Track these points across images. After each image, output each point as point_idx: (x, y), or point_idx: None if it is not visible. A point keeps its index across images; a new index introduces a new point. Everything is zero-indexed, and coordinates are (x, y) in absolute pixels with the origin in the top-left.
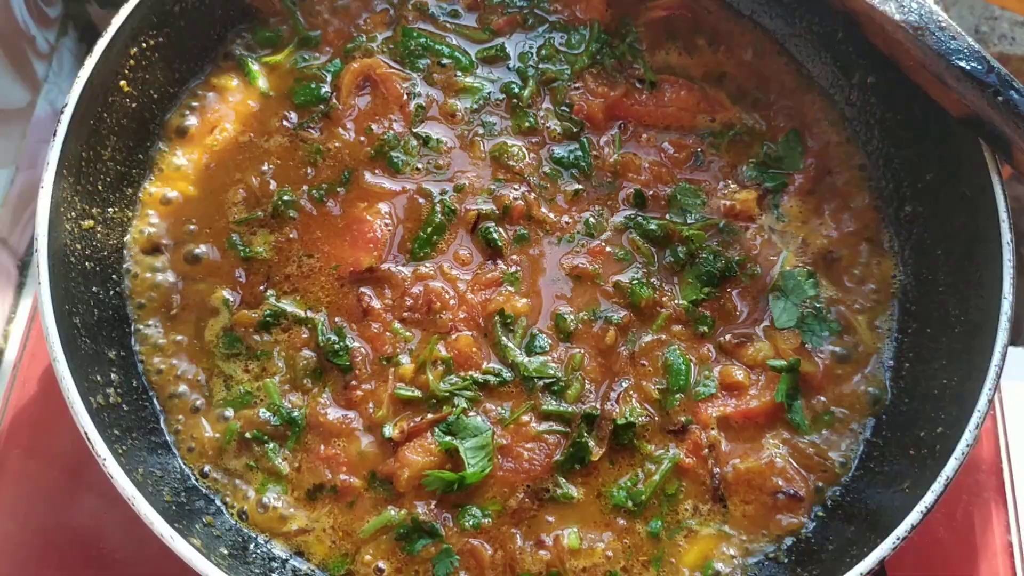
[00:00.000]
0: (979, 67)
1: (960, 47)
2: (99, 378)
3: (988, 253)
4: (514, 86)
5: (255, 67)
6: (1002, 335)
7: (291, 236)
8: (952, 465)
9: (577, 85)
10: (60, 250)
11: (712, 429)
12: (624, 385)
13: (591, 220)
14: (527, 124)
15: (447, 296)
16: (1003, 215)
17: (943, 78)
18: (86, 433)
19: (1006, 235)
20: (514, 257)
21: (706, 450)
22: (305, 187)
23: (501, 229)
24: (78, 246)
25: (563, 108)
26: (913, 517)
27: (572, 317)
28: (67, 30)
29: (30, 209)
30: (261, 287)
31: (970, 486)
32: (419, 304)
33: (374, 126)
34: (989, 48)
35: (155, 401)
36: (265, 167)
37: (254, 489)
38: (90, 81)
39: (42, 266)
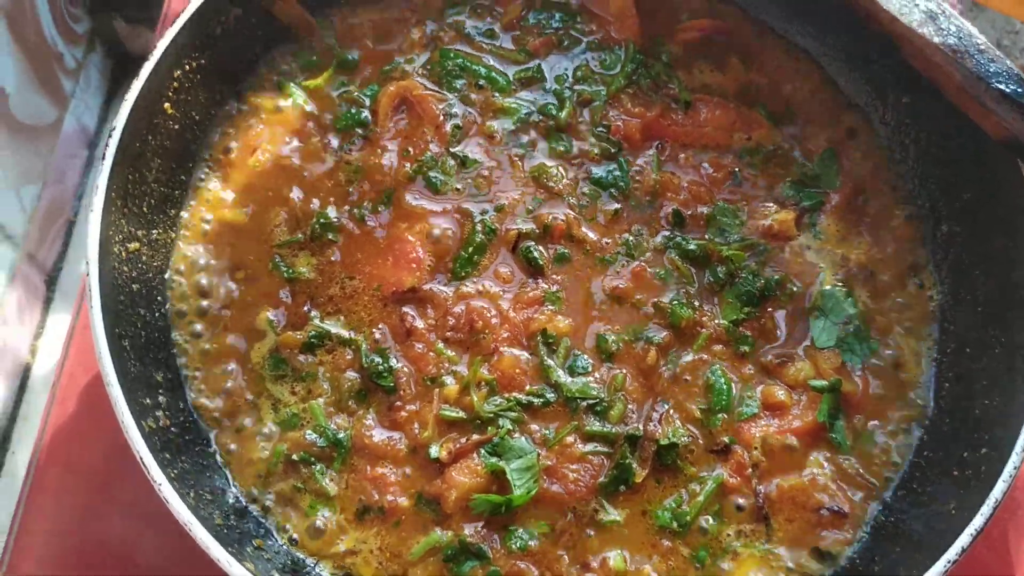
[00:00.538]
0: (1019, 89)
1: (1000, 70)
2: (148, 401)
3: None
4: (551, 107)
5: (295, 90)
6: None
7: (333, 257)
8: (1000, 488)
9: (614, 106)
10: (109, 273)
11: (755, 449)
12: (666, 406)
13: (631, 240)
14: (561, 148)
15: (489, 315)
16: None
17: (982, 100)
18: (141, 458)
19: None
20: (555, 276)
21: (749, 469)
22: (346, 208)
23: (542, 248)
24: (125, 268)
25: (600, 129)
26: (963, 540)
27: (613, 337)
28: (94, 46)
29: (57, 225)
30: (305, 308)
31: (1006, 504)
32: (461, 324)
33: (411, 147)
34: (1012, 61)
35: (202, 423)
36: (306, 188)
37: (303, 511)
38: (136, 104)
39: (94, 290)
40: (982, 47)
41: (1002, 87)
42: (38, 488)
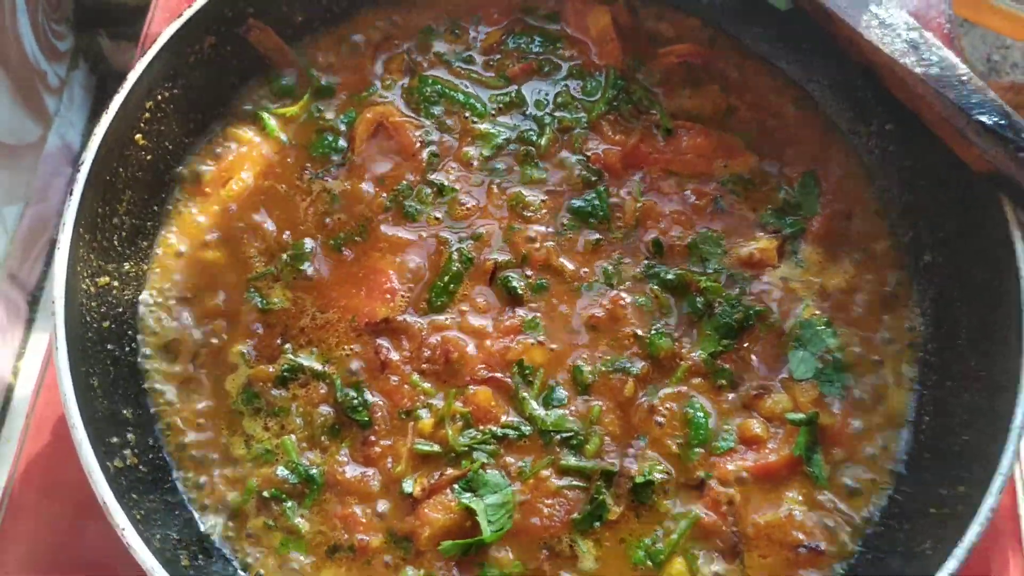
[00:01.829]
0: (1001, 121)
1: (982, 101)
2: (115, 439)
3: (1009, 312)
4: (531, 134)
5: (270, 120)
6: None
7: (308, 288)
8: (975, 531)
9: (594, 133)
10: (76, 310)
11: (731, 486)
12: (642, 442)
13: (609, 269)
14: (538, 176)
15: (464, 345)
16: (1023, 273)
17: (964, 132)
18: (105, 503)
19: None
20: (533, 304)
21: (725, 506)
22: (321, 238)
23: (519, 277)
24: (93, 304)
25: (581, 157)
26: None
27: (589, 368)
28: (78, 63)
29: (40, 244)
30: (278, 340)
31: (987, 533)
32: (437, 355)
33: (388, 175)
34: (1001, 77)
35: (171, 460)
36: (281, 218)
37: (273, 549)
38: (106, 137)
39: (59, 329)
40: (964, 78)
41: (984, 119)
42: (12, 515)
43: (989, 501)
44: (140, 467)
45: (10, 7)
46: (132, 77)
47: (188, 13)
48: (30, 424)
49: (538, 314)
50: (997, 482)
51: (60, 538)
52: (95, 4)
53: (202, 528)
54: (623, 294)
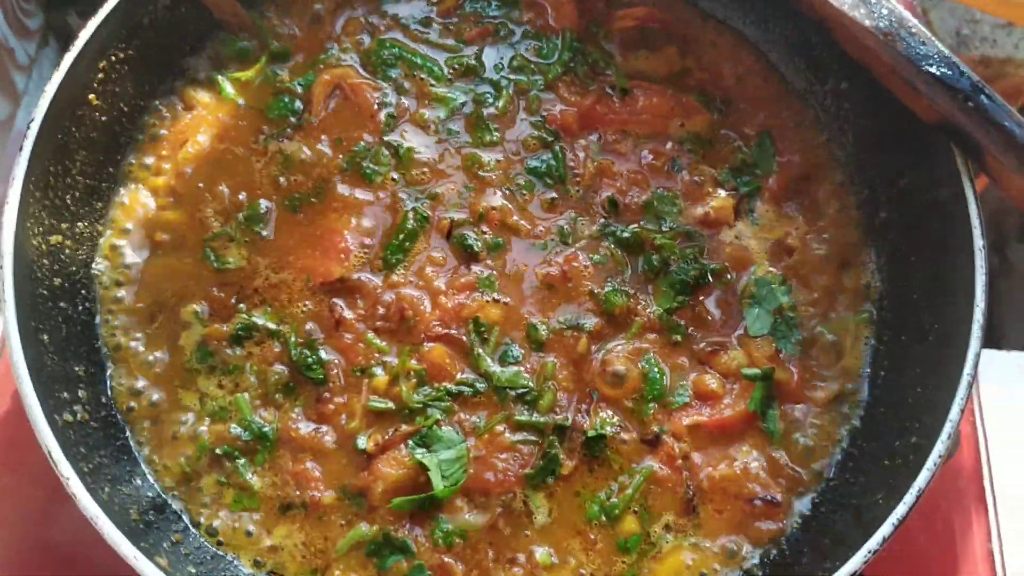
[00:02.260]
0: (949, 72)
1: (930, 52)
2: (66, 395)
3: (960, 261)
4: (488, 96)
5: (226, 83)
6: (974, 343)
7: (263, 248)
8: (924, 476)
9: (550, 96)
10: (27, 267)
11: (685, 440)
12: (594, 396)
13: (565, 228)
14: (492, 138)
15: (419, 303)
16: (975, 221)
17: (914, 84)
18: (49, 452)
19: (978, 241)
20: (489, 262)
21: (680, 460)
22: (277, 199)
23: (475, 235)
24: (45, 262)
25: (537, 119)
26: (885, 530)
27: (544, 327)
28: (48, 41)
29: None
30: (233, 300)
31: (950, 493)
32: (392, 312)
33: (344, 137)
34: (971, 51)
35: (123, 417)
36: (237, 180)
37: (225, 506)
38: (57, 96)
39: (7, 284)
40: (913, 30)
41: (932, 70)
42: None
43: (938, 448)
44: (91, 423)
45: None
46: (84, 36)
47: None
48: None
49: (493, 271)
50: (946, 428)
51: (28, 517)
52: None
53: (154, 484)
54: (579, 252)
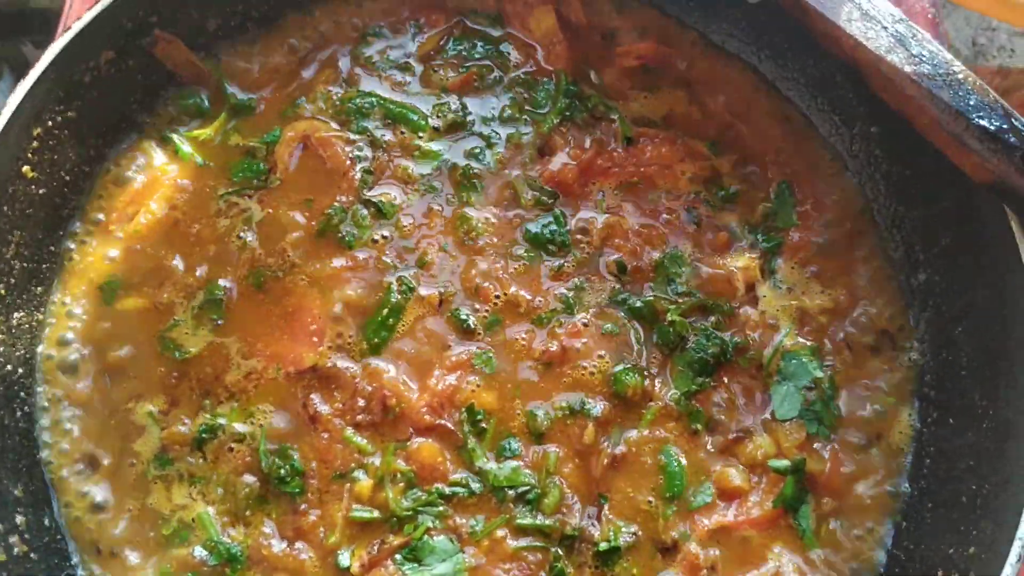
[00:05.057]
0: (1004, 125)
1: (981, 102)
2: (1, 525)
3: (1017, 340)
4: (477, 151)
5: (181, 142)
6: None
7: (226, 333)
8: None
9: (546, 149)
10: None
11: (712, 548)
12: (604, 502)
13: (569, 297)
14: (482, 199)
15: (403, 389)
16: None
17: (962, 139)
18: None
19: None
20: (486, 339)
21: (704, 571)
22: (240, 274)
23: (470, 310)
24: None
25: (532, 175)
26: None
27: (543, 414)
28: (1, 73)
29: None
30: (195, 395)
31: None
32: (373, 404)
33: (316, 198)
34: (988, 61)
35: (70, 543)
36: (196, 254)
37: None
38: None
39: None
40: (960, 76)
41: (984, 123)
42: None
43: (1007, 572)
44: (31, 555)
45: None
46: (12, 102)
47: (78, 25)
48: None
49: (490, 349)
50: (1014, 550)
51: None
52: (16, 11)
53: None
54: (584, 323)
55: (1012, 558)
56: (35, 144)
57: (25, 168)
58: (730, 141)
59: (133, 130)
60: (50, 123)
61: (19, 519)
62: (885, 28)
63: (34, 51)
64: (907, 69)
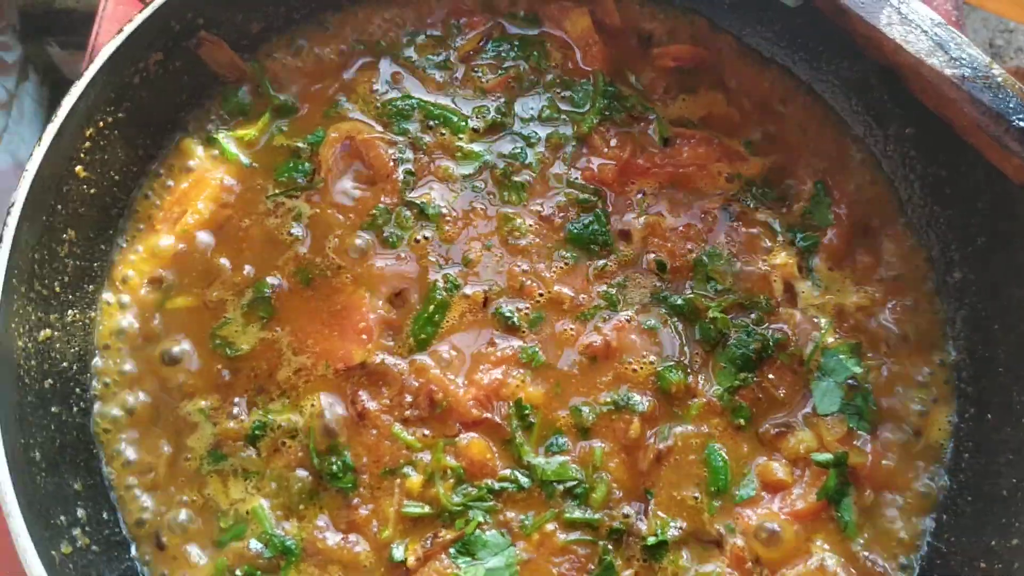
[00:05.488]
0: None
1: (1022, 105)
2: (63, 519)
3: None
4: (518, 151)
5: (227, 142)
6: None
7: (276, 330)
8: None
9: (586, 148)
10: (12, 372)
11: (757, 542)
12: (650, 498)
13: (613, 294)
14: (524, 197)
15: (450, 384)
16: None
17: (1003, 141)
18: None
19: None
20: (531, 335)
21: (750, 563)
22: (289, 272)
23: (513, 308)
24: (33, 363)
25: (573, 174)
26: None
27: (588, 410)
28: (27, 74)
29: None
30: (247, 393)
31: None
32: (420, 399)
33: (360, 199)
34: (1006, 62)
35: (128, 535)
36: (243, 253)
37: None
38: (40, 173)
39: None
40: (1000, 79)
41: None
42: None
43: None
44: (92, 547)
45: None
46: (67, 103)
47: (129, 28)
48: None
49: (536, 344)
50: None
51: None
52: (41, 12)
53: None
54: (628, 319)
55: None
56: (87, 144)
57: (78, 168)
58: (766, 141)
59: (179, 130)
60: (101, 124)
61: (80, 512)
62: (925, 32)
63: (58, 51)
64: (948, 72)
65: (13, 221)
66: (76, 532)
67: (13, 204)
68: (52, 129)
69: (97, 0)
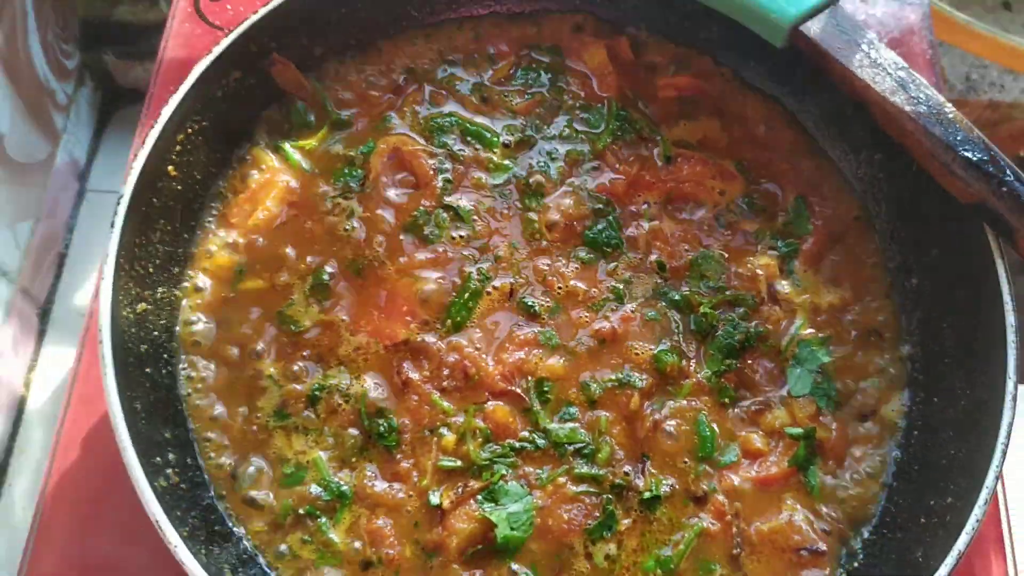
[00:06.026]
0: (984, 157)
1: (967, 138)
2: (159, 459)
3: (991, 334)
4: (541, 166)
5: (291, 150)
6: (1007, 414)
7: (334, 311)
8: (963, 540)
9: (600, 163)
10: (119, 337)
11: (736, 499)
12: (647, 460)
13: (620, 290)
14: (546, 204)
15: (482, 360)
16: (1006, 298)
17: (951, 167)
18: (157, 521)
19: (1009, 317)
20: (549, 322)
21: (730, 516)
22: (343, 263)
23: (535, 298)
24: (133, 331)
25: (589, 187)
26: None
27: (595, 385)
28: (84, 81)
29: (50, 258)
30: (308, 362)
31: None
32: (455, 372)
33: (404, 203)
34: (980, 95)
35: (210, 478)
36: (305, 245)
37: (309, 562)
38: (143, 171)
39: (107, 358)
40: (950, 116)
41: (968, 155)
42: (44, 537)
43: (975, 512)
44: (182, 486)
45: (22, 28)
46: (167, 112)
47: (218, 49)
48: (60, 440)
49: (552, 328)
50: (982, 495)
51: (94, 556)
52: (100, 23)
53: (240, 543)
54: (632, 311)
55: (980, 501)
56: (178, 148)
57: (170, 168)
58: (755, 162)
59: (251, 138)
60: (189, 131)
61: (171, 456)
62: (890, 74)
63: (114, 60)
64: (907, 108)
65: (122, 211)
66: (169, 471)
67: (122, 196)
68: (155, 132)
69: (158, 16)
